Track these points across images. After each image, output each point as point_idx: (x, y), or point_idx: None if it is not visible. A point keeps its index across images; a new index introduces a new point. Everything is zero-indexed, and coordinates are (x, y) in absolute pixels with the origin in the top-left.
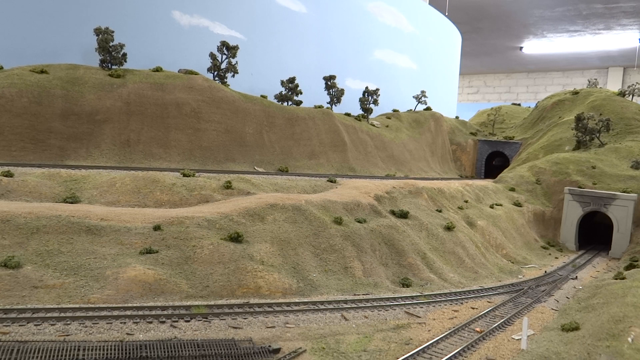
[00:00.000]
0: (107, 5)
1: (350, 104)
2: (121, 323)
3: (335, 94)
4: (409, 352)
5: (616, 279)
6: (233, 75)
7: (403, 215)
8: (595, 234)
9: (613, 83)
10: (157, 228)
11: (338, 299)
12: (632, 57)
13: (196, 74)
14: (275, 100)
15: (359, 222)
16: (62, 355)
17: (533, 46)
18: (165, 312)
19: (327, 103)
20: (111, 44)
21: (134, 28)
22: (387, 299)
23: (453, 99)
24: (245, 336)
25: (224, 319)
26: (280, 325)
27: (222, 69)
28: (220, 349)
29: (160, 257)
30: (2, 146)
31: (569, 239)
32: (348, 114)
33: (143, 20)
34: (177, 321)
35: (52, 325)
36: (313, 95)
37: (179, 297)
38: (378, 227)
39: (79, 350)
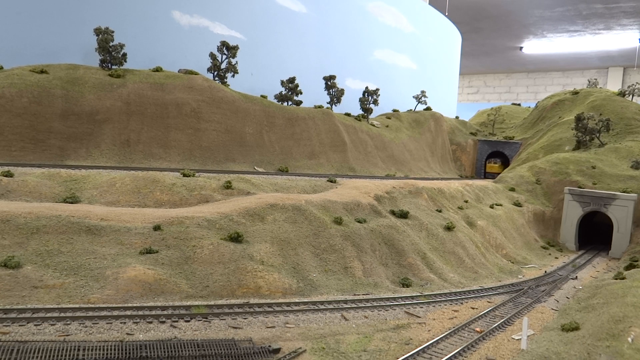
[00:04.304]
0: (107, 5)
1: (350, 104)
2: (121, 323)
3: (335, 94)
4: (409, 352)
5: (616, 279)
6: (233, 75)
7: (403, 215)
8: (595, 234)
9: (613, 83)
10: (157, 228)
11: (338, 299)
12: (632, 57)
13: (196, 74)
14: (275, 100)
15: (359, 222)
16: (62, 355)
17: (533, 46)
18: (165, 312)
19: (327, 103)
20: (111, 44)
21: (134, 28)
22: (387, 299)
23: (453, 99)
24: (245, 336)
25: (224, 319)
26: (280, 325)
27: (222, 69)
28: (220, 349)
29: (160, 257)
30: (2, 146)
31: (569, 239)
32: (348, 114)
33: (143, 20)
34: (177, 321)
35: (52, 325)
36: (313, 95)
37: (179, 297)
38: (378, 227)
39: (79, 350)
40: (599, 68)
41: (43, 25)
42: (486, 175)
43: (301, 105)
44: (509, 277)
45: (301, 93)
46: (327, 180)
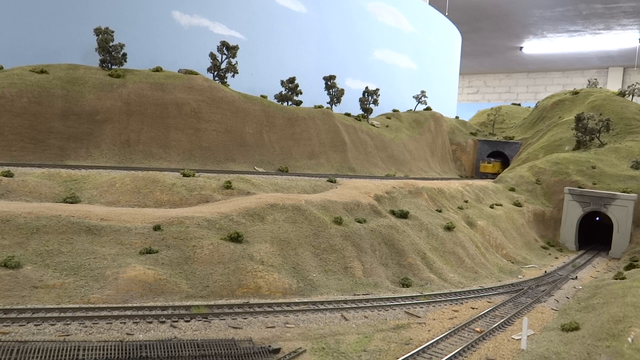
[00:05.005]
0: (107, 5)
1: (350, 104)
2: (121, 323)
3: (335, 94)
4: (409, 352)
5: (616, 279)
6: (233, 75)
7: (403, 215)
8: (595, 234)
9: (613, 83)
10: (157, 228)
11: (338, 299)
12: (632, 57)
13: (196, 74)
14: (275, 100)
15: (359, 222)
16: (62, 355)
17: (533, 46)
18: (165, 312)
19: (327, 103)
20: (111, 44)
21: (134, 28)
22: (387, 299)
23: (453, 99)
24: (245, 336)
25: (224, 319)
26: (280, 325)
27: (222, 69)
28: (220, 349)
29: (160, 257)
30: (2, 146)
31: (568, 239)
32: (348, 114)
33: (143, 20)
34: (177, 321)
35: (52, 325)
36: (313, 95)
37: (179, 297)
38: (378, 227)
39: (79, 350)
40: (599, 68)
41: (43, 25)
42: (480, 176)
43: (301, 105)
44: (509, 277)
45: (301, 93)
46: (327, 180)
